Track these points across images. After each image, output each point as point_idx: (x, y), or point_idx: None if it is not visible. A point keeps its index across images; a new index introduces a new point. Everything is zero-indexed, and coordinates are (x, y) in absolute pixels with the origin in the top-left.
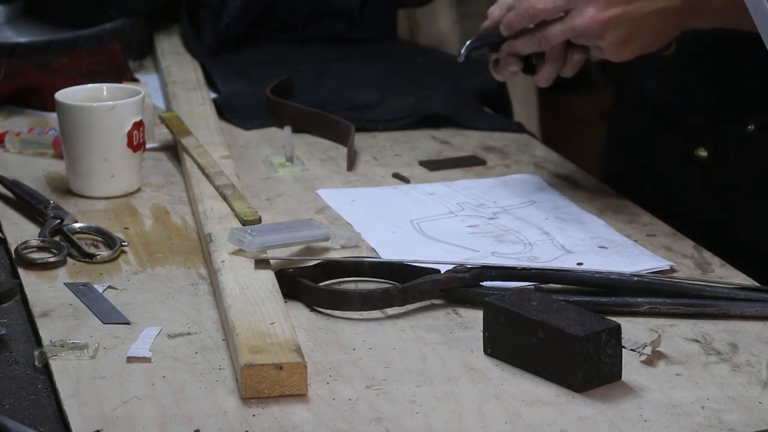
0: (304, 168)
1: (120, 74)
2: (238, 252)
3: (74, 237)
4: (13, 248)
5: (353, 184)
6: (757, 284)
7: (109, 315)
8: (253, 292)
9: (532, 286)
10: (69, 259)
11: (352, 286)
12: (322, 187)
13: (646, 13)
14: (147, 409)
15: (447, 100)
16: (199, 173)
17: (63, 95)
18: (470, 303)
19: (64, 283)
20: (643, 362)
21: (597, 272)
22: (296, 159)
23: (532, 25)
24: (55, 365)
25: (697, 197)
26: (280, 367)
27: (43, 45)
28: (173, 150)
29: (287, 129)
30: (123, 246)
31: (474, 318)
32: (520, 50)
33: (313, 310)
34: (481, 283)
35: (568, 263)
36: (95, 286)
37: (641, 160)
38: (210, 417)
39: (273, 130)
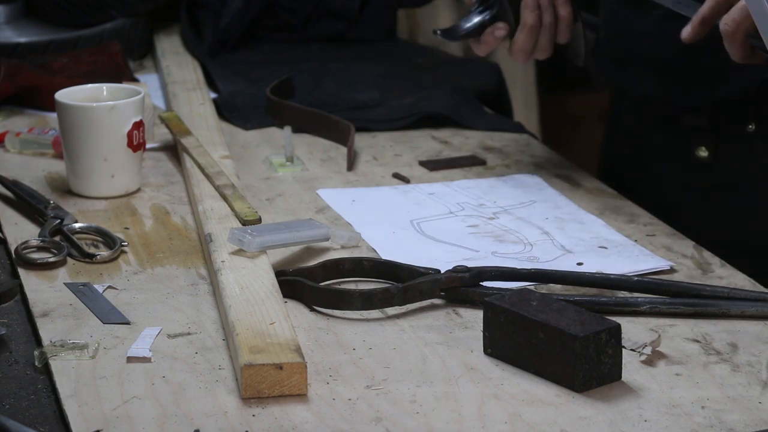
0: (304, 168)
1: (120, 74)
2: (238, 252)
3: (74, 237)
4: (13, 248)
5: (353, 184)
6: (757, 284)
7: (109, 315)
8: (253, 292)
9: (532, 286)
10: (69, 259)
11: (352, 286)
12: (322, 187)
13: None
14: (147, 409)
15: (447, 100)
16: (199, 173)
17: (63, 95)
18: (470, 303)
19: (64, 283)
20: (643, 362)
21: (597, 272)
22: (296, 159)
23: None
24: (55, 365)
25: (697, 197)
26: (280, 367)
27: (43, 45)
28: (173, 150)
29: (287, 129)
30: (123, 246)
31: (474, 318)
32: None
33: (313, 310)
34: (481, 283)
35: (568, 263)
36: (95, 286)
37: (641, 160)
38: (210, 417)
39: (273, 130)
